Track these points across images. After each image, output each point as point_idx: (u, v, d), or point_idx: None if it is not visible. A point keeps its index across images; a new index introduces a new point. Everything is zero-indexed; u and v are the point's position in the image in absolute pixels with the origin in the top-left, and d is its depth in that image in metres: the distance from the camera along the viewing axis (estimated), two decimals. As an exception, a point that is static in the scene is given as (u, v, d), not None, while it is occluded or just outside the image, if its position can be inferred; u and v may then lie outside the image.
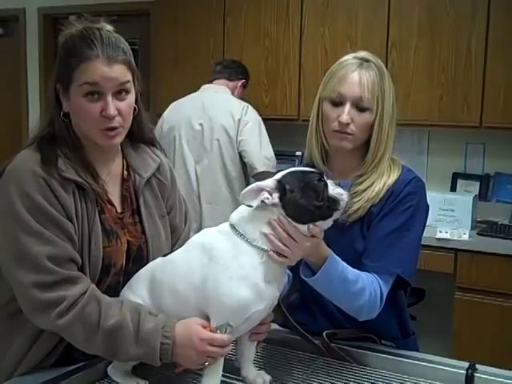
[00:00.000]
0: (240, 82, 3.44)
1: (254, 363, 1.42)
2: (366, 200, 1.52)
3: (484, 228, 3.26)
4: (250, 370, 1.38)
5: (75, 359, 1.39)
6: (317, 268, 1.37)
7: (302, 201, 1.25)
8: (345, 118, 1.50)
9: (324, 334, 1.51)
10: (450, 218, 3.24)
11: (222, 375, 1.29)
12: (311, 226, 1.26)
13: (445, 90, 3.28)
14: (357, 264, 1.47)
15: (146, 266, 1.40)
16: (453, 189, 3.59)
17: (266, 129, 3.30)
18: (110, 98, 1.32)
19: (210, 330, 1.25)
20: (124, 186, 1.49)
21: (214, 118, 3.23)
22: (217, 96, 3.32)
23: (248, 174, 3.28)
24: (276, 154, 3.28)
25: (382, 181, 1.54)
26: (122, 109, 1.35)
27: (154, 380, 1.36)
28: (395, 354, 1.52)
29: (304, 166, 1.56)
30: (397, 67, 3.34)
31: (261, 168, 3.15)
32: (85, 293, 1.29)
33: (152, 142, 1.59)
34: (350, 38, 3.47)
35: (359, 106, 1.51)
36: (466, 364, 1.44)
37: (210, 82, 3.42)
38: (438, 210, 3.19)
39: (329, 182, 1.30)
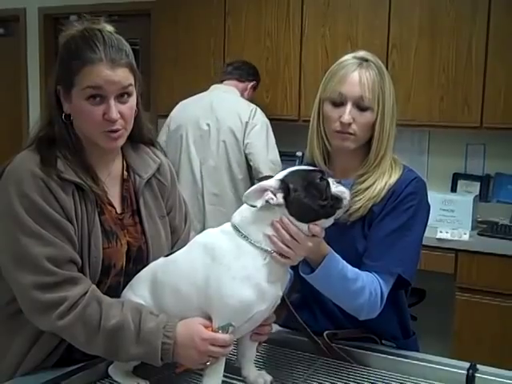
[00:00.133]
0: (250, 84, 3.43)
1: (255, 363, 1.42)
2: (368, 199, 1.52)
3: (484, 228, 3.26)
4: (251, 370, 1.38)
5: (76, 360, 1.39)
6: (316, 265, 1.37)
7: (306, 200, 1.25)
8: (346, 117, 1.50)
9: (325, 334, 1.51)
10: (450, 219, 3.24)
11: (223, 375, 1.29)
12: (311, 225, 1.26)
13: (445, 90, 3.28)
14: (358, 264, 1.47)
15: (148, 267, 1.40)
16: (453, 189, 3.59)
17: (267, 129, 3.29)
18: (112, 102, 1.32)
19: (212, 330, 1.25)
20: (124, 187, 1.49)
21: (222, 119, 3.20)
22: (226, 97, 3.29)
23: (253, 177, 3.25)
24: (276, 155, 3.27)
25: (383, 180, 1.54)
26: (124, 112, 1.35)
27: (155, 380, 1.36)
28: (396, 354, 1.52)
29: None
30: (397, 68, 3.35)
31: (266, 172, 3.12)
32: (85, 293, 1.29)
33: (152, 143, 1.59)
34: (350, 38, 3.47)
35: (360, 106, 1.51)
36: (466, 364, 1.44)
37: (221, 82, 3.41)
38: (438, 210, 3.20)
39: (330, 180, 1.30)
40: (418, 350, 1.63)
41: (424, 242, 1.59)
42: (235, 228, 1.28)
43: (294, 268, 1.43)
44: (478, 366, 1.44)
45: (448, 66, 3.27)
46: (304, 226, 1.26)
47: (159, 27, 4.10)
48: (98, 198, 1.40)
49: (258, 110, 3.27)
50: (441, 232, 3.12)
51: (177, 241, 1.57)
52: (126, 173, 1.50)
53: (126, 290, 1.39)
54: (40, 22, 4.87)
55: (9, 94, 5.09)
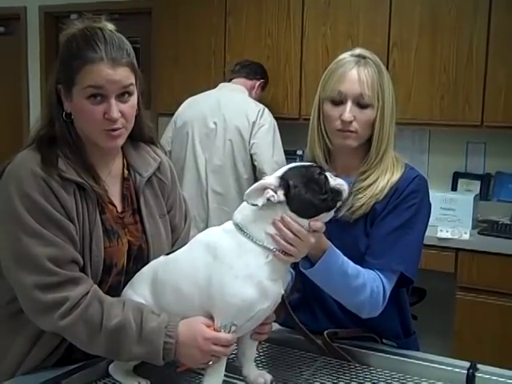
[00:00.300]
0: (258, 82, 3.41)
1: (255, 363, 1.42)
2: (370, 196, 1.52)
3: (485, 227, 3.25)
4: (251, 370, 1.38)
5: (77, 359, 1.39)
6: (316, 260, 1.37)
7: (307, 195, 1.25)
8: (347, 115, 1.50)
9: (325, 333, 1.51)
10: (450, 218, 3.23)
11: (224, 374, 1.29)
12: (312, 222, 1.26)
13: (446, 89, 3.27)
14: (360, 261, 1.47)
15: (148, 265, 1.40)
16: (454, 188, 3.59)
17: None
18: (113, 101, 1.32)
19: (214, 329, 1.25)
20: (124, 186, 1.48)
21: (229, 118, 3.17)
22: (234, 95, 3.26)
23: (258, 177, 3.21)
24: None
25: (385, 178, 1.54)
26: (124, 111, 1.35)
27: (156, 379, 1.36)
28: (396, 354, 1.52)
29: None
30: (398, 66, 3.35)
31: (270, 173, 3.09)
32: (87, 293, 1.29)
33: (152, 141, 1.58)
34: (351, 37, 3.47)
35: (360, 103, 1.51)
36: (467, 364, 1.44)
37: (229, 80, 3.39)
38: (438, 209, 3.19)
39: (327, 174, 1.30)
40: (418, 350, 1.63)
41: (424, 241, 1.58)
42: (237, 226, 1.27)
43: (295, 267, 1.43)
44: (479, 365, 1.44)
45: (449, 64, 3.26)
46: (305, 222, 1.26)
47: (160, 26, 4.09)
48: (99, 197, 1.39)
49: (266, 110, 3.23)
50: (441, 231, 3.11)
51: (177, 239, 1.56)
52: (126, 171, 1.50)
53: (126, 288, 1.39)
54: (41, 20, 4.87)
55: (9, 93, 5.09)
